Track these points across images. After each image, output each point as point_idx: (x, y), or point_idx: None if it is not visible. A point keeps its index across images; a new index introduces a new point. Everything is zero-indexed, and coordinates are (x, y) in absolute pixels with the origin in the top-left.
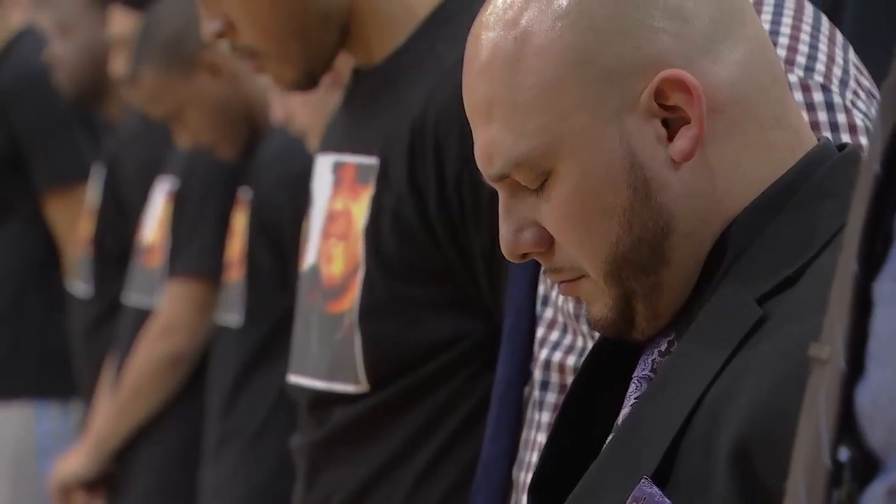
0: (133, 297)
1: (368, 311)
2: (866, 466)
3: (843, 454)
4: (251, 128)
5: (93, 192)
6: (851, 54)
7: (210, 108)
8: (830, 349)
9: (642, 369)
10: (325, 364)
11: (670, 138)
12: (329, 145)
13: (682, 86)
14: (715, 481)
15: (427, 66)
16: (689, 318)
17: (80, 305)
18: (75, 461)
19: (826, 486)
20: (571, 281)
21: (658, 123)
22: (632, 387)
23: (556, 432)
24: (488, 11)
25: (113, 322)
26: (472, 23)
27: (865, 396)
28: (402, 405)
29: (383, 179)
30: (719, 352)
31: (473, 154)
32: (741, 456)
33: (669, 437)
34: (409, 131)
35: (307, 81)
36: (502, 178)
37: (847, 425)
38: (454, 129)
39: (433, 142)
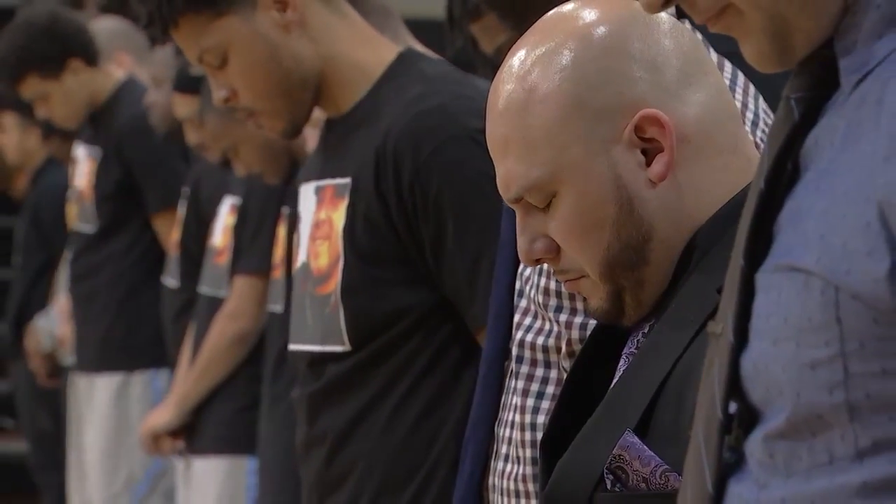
0: (205, 288)
1: (348, 290)
2: (750, 417)
3: (732, 408)
4: (292, 158)
5: (181, 207)
6: (761, 102)
7: (259, 145)
8: (723, 325)
9: (629, 348)
10: (318, 332)
11: (648, 164)
12: (310, 176)
13: (656, 122)
14: (684, 434)
15: (384, 110)
16: (665, 306)
17: (170, 295)
18: (162, 415)
19: (719, 433)
20: (574, 279)
21: (638, 152)
22: (621, 361)
23: (562, 401)
24: (505, 69)
25: (193, 309)
26: (416, 76)
27: (748, 363)
28: (377, 359)
29: (356, 192)
30: (686, 330)
31: (422, 168)
32: None
33: (648, 398)
34: (374, 155)
35: (293, 131)
36: (517, 200)
37: (735, 385)
38: (407, 151)
39: (392, 161)
